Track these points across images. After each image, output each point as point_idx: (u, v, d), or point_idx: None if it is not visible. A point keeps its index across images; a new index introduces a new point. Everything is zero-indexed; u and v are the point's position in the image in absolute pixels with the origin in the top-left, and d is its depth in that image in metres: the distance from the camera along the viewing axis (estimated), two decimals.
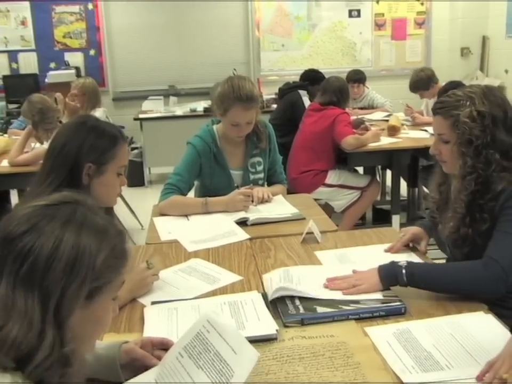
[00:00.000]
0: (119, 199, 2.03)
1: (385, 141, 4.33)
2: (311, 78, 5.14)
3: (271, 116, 5.00)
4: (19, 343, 0.91)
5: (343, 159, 4.26)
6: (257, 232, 2.37)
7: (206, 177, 2.80)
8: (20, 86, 7.02)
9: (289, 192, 3.15)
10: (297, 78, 5.42)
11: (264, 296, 1.72)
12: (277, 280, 1.75)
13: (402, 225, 4.29)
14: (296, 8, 7.76)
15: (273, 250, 2.17)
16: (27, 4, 7.37)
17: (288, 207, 2.65)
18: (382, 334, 1.51)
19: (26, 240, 0.96)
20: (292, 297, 1.67)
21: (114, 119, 5.17)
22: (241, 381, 1.20)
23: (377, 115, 5.52)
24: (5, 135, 5.06)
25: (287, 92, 5.04)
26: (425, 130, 4.55)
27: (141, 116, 6.71)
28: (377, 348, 1.44)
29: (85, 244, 0.99)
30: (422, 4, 7.95)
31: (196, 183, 2.89)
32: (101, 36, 7.55)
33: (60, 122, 3.95)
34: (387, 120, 4.89)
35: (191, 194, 2.89)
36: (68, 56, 7.46)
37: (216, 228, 2.40)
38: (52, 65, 7.45)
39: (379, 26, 7.95)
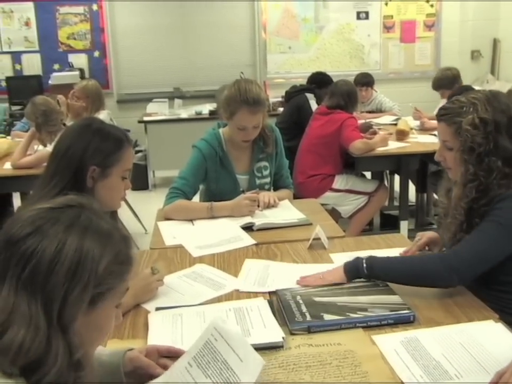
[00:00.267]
0: (122, 202, 2.01)
1: (394, 145, 4.30)
2: (318, 81, 5.11)
3: (277, 119, 4.98)
4: (27, 350, 0.90)
5: (350, 164, 4.24)
6: (263, 237, 2.34)
7: (212, 182, 2.78)
8: (23, 88, 7.00)
9: (296, 197, 3.12)
10: (304, 81, 5.38)
11: (270, 303, 1.70)
12: (251, 280, 1.90)
13: (410, 231, 4.25)
14: (303, 10, 7.69)
15: (279, 256, 2.14)
16: (31, 4, 7.33)
17: (295, 212, 2.62)
18: (390, 342, 1.48)
19: (30, 242, 0.95)
20: (298, 304, 1.66)
21: (118, 121, 5.14)
22: None
23: (386, 119, 5.48)
24: (8, 137, 5.05)
25: (294, 95, 5.01)
26: (434, 135, 4.49)
27: (146, 118, 6.69)
28: (385, 356, 1.42)
29: (88, 248, 0.97)
30: (431, 5, 7.88)
31: (201, 187, 2.87)
32: (106, 37, 7.53)
33: (64, 124, 3.92)
34: (395, 124, 4.86)
35: (196, 198, 2.87)
36: (72, 58, 7.44)
37: (222, 233, 2.38)
38: (56, 66, 7.42)
39: (388, 28, 7.90)
